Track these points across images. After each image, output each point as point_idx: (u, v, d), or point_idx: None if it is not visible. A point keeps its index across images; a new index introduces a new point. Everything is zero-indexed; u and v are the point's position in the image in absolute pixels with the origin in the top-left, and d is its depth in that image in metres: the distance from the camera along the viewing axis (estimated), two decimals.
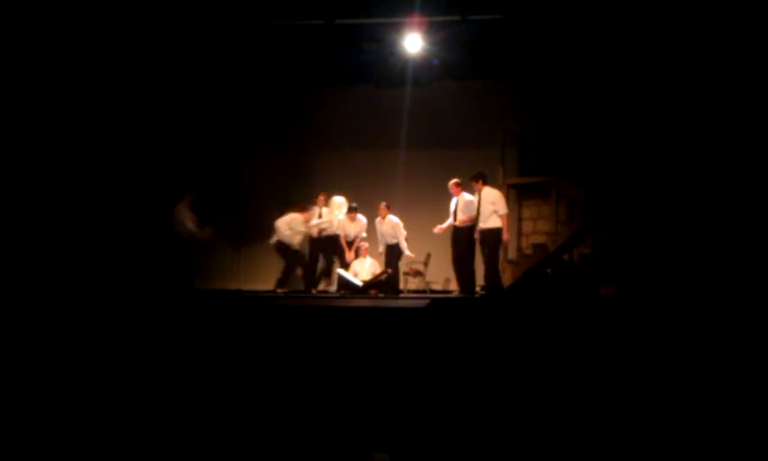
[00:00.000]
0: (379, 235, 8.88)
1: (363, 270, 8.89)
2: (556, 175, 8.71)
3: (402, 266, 9.08)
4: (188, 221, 8.50)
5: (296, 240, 8.91)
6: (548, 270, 8.82)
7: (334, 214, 9.10)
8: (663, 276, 7.69)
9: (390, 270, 8.67)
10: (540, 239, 9.10)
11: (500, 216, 7.86)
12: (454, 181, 8.27)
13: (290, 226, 8.87)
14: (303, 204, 9.08)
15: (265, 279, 10.06)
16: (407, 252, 8.77)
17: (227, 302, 7.85)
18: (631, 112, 8.46)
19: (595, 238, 8.56)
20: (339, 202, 9.19)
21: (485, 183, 8.01)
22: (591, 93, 9.08)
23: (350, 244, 9.10)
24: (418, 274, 9.60)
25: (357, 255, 9.10)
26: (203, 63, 9.79)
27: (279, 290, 8.79)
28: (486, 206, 7.87)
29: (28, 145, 7.80)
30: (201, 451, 3.56)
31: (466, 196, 8.15)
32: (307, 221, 8.98)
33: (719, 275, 7.17)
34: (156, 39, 8.85)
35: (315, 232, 9.05)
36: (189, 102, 10.26)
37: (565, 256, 8.89)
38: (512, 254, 9.24)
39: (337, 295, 8.75)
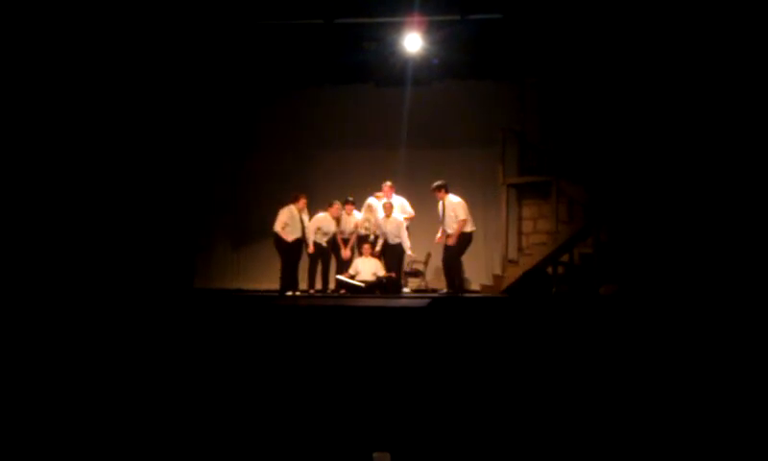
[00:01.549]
0: (381, 234, 8.87)
1: (365, 269, 8.84)
2: (556, 174, 8.69)
3: (403, 266, 9.07)
4: (278, 222, 8.63)
5: (324, 240, 8.97)
6: (548, 269, 8.82)
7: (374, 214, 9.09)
8: (664, 275, 7.70)
9: (394, 274, 8.68)
10: (540, 239, 9.10)
11: (458, 221, 8.18)
12: (388, 183, 8.91)
13: (320, 227, 8.88)
14: (326, 202, 9.11)
15: (263, 278, 10.05)
16: (409, 251, 8.77)
17: (226, 301, 7.86)
18: (631, 111, 8.45)
19: (596, 237, 8.54)
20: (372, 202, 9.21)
21: (447, 192, 8.35)
22: (592, 92, 9.07)
23: (347, 241, 9.07)
24: (418, 274, 9.59)
25: (358, 254, 9.07)
26: (202, 63, 9.78)
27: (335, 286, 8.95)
28: (449, 212, 8.27)
29: (24, 147, 7.80)
30: (201, 451, 3.56)
31: (396, 200, 8.81)
32: (336, 217, 8.97)
33: (719, 273, 7.17)
34: (156, 39, 8.85)
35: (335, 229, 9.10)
36: (188, 101, 10.25)
37: (566, 256, 8.88)
38: (512, 253, 9.24)
39: (338, 294, 8.73)
